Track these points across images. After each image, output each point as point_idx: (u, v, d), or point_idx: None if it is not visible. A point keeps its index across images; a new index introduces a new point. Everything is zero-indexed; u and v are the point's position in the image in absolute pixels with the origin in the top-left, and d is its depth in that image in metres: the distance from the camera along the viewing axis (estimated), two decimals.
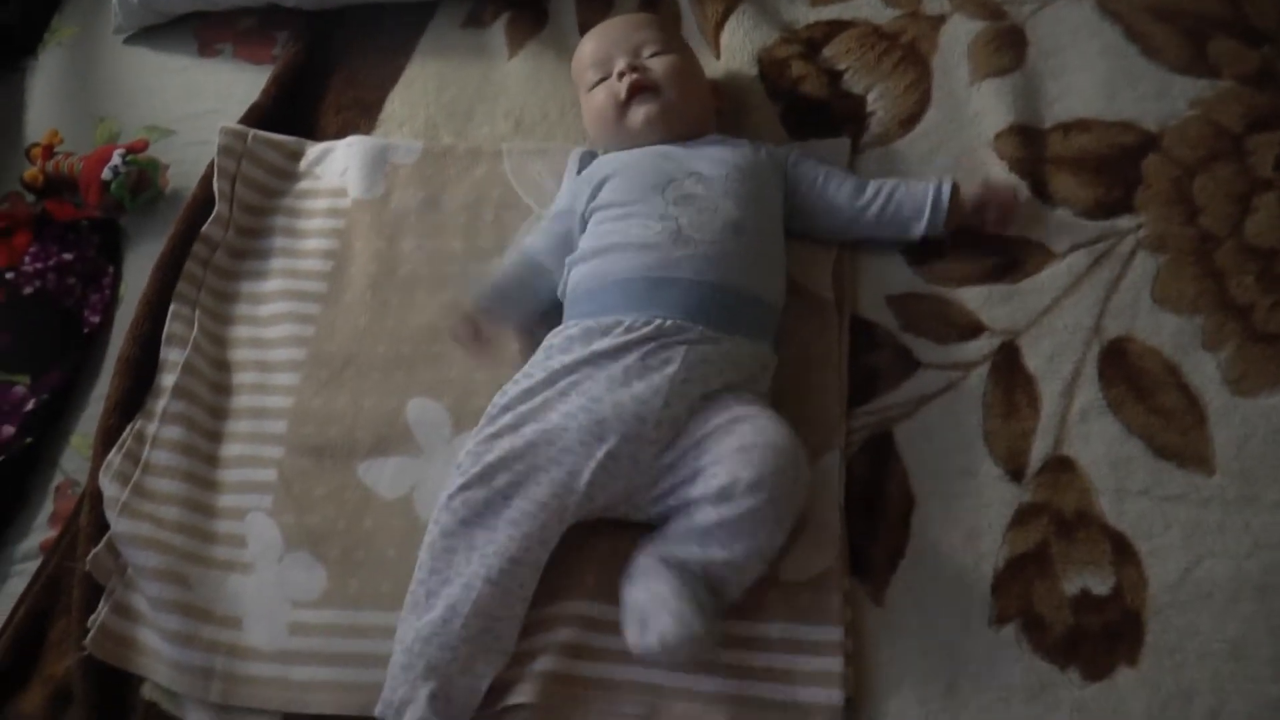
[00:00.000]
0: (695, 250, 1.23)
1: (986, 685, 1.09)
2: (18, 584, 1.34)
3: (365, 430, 1.32)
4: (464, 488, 1.16)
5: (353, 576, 1.24)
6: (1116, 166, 1.35)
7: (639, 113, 1.36)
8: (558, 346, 1.23)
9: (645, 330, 1.18)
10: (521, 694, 1.12)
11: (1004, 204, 1.32)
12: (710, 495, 1.09)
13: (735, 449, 1.10)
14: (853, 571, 1.17)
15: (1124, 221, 1.31)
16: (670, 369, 1.16)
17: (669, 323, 1.19)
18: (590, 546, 1.19)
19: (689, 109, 1.38)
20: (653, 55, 1.38)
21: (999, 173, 1.37)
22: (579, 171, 1.42)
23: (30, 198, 1.65)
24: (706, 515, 1.09)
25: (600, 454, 1.14)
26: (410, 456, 1.30)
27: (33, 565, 1.35)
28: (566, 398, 1.18)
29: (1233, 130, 1.34)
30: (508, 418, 1.19)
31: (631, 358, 1.18)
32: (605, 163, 1.38)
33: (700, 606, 1.05)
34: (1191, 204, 1.30)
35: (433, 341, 1.37)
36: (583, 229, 1.34)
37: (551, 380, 1.20)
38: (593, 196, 1.33)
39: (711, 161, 1.31)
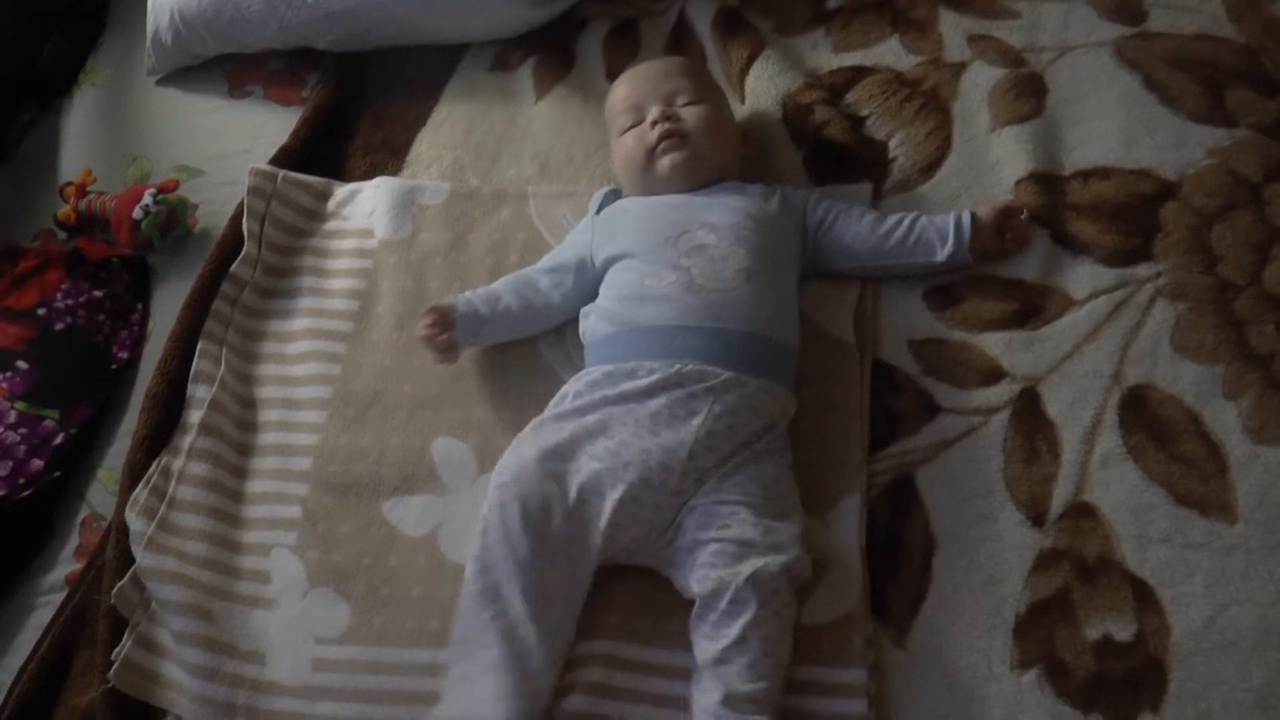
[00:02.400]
0: (709, 299, 1.25)
1: None
2: (43, 615, 1.35)
3: (391, 468, 1.34)
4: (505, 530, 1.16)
5: (377, 613, 1.25)
6: (1135, 214, 1.36)
7: (666, 161, 1.38)
8: (582, 391, 1.24)
9: (669, 373, 1.20)
10: None
11: (1018, 221, 1.34)
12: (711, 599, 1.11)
13: (733, 541, 1.13)
14: (875, 614, 1.17)
15: (1143, 269, 1.32)
16: (695, 421, 1.18)
17: (689, 367, 1.20)
18: (613, 588, 1.20)
19: (716, 158, 1.40)
20: (686, 104, 1.40)
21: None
22: (597, 211, 1.43)
23: (63, 235, 1.67)
24: (726, 634, 1.10)
25: (625, 495, 1.15)
26: (435, 495, 1.31)
27: (58, 597, 1.36)
28: (595, 440, 1.19)
29: (1251, 179, 1.35)
30: (541, 455, 1.20)
31: (658, 403, 1.19)
32: (621, 209, 1.40)
33: None
34: (1210, 253, 1.31)
35: (458, 381, 1.39)
36: (594, 271, 1.36)
37: (581, 412, 1.22)
38: (606, 244, 1.35)
39: (724, 210, 1.33)
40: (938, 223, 1.34)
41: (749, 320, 1.24)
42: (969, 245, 1.33)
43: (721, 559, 1.12)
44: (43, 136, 1.82)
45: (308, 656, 1.23)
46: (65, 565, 1.39)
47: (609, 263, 1.34)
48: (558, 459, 1.18)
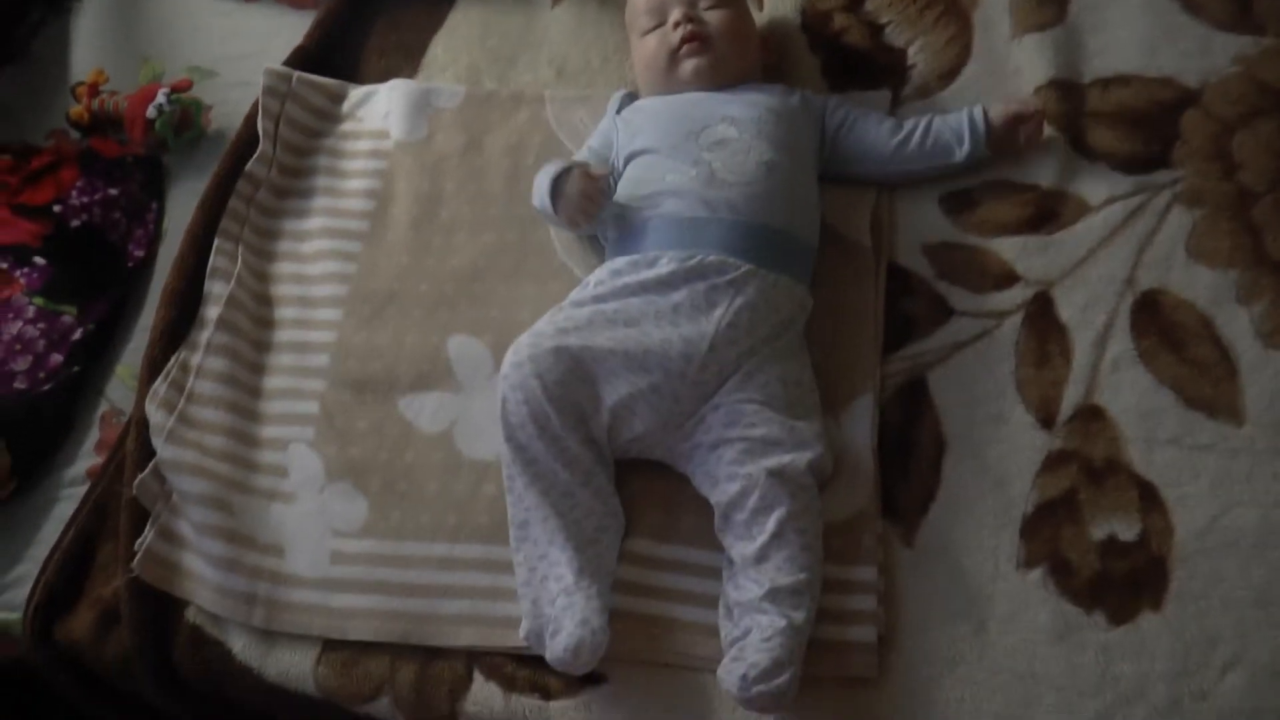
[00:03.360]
0: (730, 192, 1.25)
1: (1014, 626, 1.11)
2: (65, 508, 1.38)
3: (407, 366, 1.35)
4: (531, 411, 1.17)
5: (394, 508, 1.27)
6: (1155, 122, 1.35)
7: (689, 64, 1.37)
8: (604, 279, 1.25)
9: (690, 264, 1.21)
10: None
11: (1031, 114, 1.34)
12: (739, 508, 1.12)
13: (760, 440, 1.14)
14: (884, 514, 1.19)
15: (1161, 176, 1.32)
16: (716, 313, 1.19)
17: (711, 258, 1.21)
18: (648, 488, 1.22)
19: (737, 63, 1.39)
20: (709, 7, 1.39)
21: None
22: (618, 111, 1.43)
23: (75, 135, 1.67)
24: (743, 550, 1.12)
25: (644, 385, 1.17)
26: (451, 393, 1.33)
27: (79, 490, 1.39)
28: (615, 326, 1.20)
29: (1276, 87, 1.34)
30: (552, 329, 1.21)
31: (680, 295, 1.20)
32: (641, 108, 1.40)
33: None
34: (1230, 160, 1.31)
35: (474, 281, 1.39)
36: (618, 171, 1.36)
37: (601, 299, 1.23)
38: (628, 143, 1.35)
39: (745, 105, 1.33)
40: (952, 123, 1.34)
41: (769, 213, 1.25)
42: (985, 143, 1.32)
43: (749, 456, 1.13)
44: (53, 37, 1.81)
45: (326, 549, 1.25)
46: (86, 459, 1.42)
47: (630, 158, 1.34)
48: (575, 339, 1.19)
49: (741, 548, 1.12)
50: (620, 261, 1.25)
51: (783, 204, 1.27)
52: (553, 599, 1.12)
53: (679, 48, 1.37)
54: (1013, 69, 1.42)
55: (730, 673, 1.05)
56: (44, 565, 1.33)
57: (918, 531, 1.18)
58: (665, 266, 1.22)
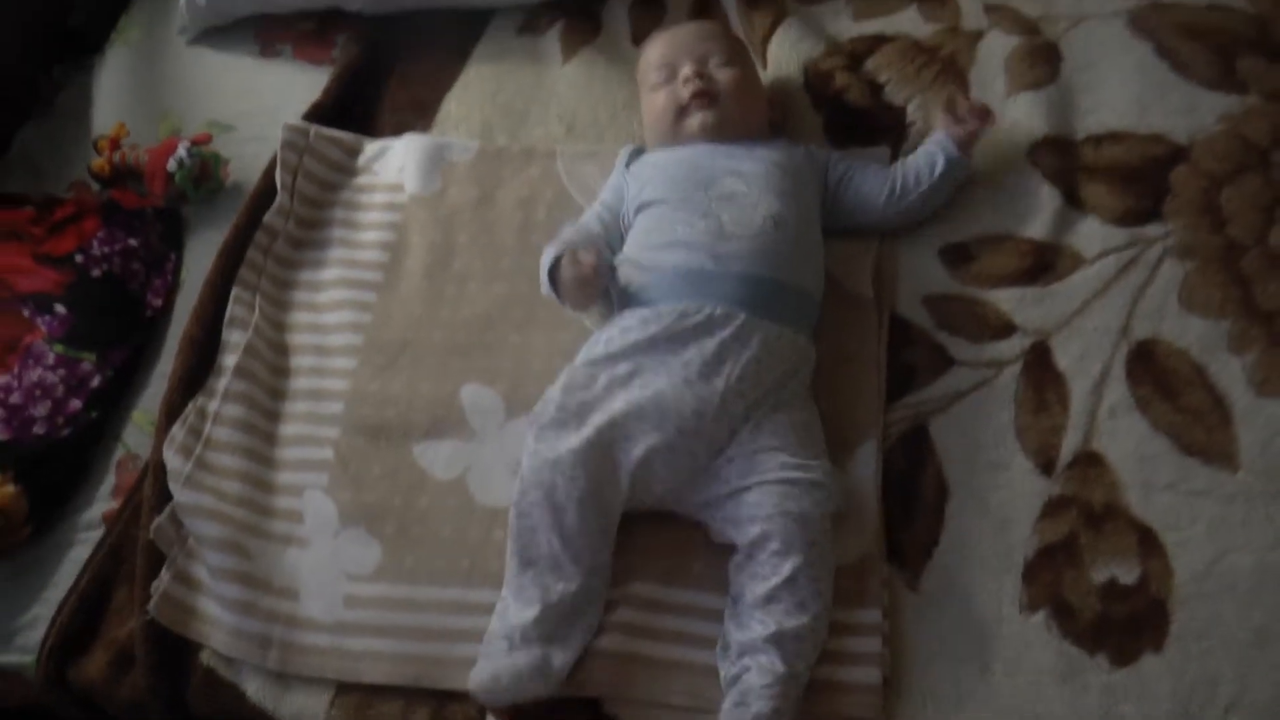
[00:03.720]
0: (738, 245, 1.29)
1: (1019, 669, 1.14)
2: (81, 551, 1.40)
3: (421, 413, 1.38)
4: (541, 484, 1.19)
5: (408, 552, 1.29)
6: (1146, 177, 1.40)
7: (697, 119, 1.42)
8: (614, 337, 1.28)
9: (698, 319, 1.24)
10: (587, 674, 1.16)
11: (964, 108, 1.39)
12: (760, 549, 1.15)
13: (777, 482, 1.17)
14: (889, 558, 1.21)
15: (1153, 229, 1.36)
16: (725, 368, 1.22)
17: (718, 311, 1.24)
18: (656, 534, 1.25)
19: (744, 119, 1.43)
20: (718, 65, 1.44)
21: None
22: (626, 165, 1.47)
23: (96, 187, 1.71)
24: (754, 591, 1.14)
25: (659, 443, 1.19)
26: (464, 440, 1.35)
27: (95, 534, 1.41)
28: (629, 388, 1.23)
29: (1260, 144, 1.39)
30: (573, 404, 1.24)
31: (690, 353, 1.23)
32: (650, 161, 1.44)
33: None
34: (1219, 213, 1.35)
35: (486, 330, 1.43)
36: (627, 224, 1.40)
37: (613, 359, 1.26)
38: (637, 194, 1.39)
39: (752, 160, 1.37)
40: (922, 152, 1.40)
41: (775, 266, 1.29)
42: (957, 151, 1.37)
43: (768, 499, 1.16)
44: (76, 92, 1.86)
45: (340, 593, 1.27)
46: (102, 503, 1.44)
47: (640, 209, 1.38)
48: (598, 418, 1.21)
49: (754, 587, 1.14)
50: (630, 319, 1.29)
51: (788, 257, 1.30)
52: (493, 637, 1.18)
53: (688, 103, 1.42)
54: (1008, 125, 1.47)
55: (734, 718, 1.08)
56: (59, 608, 1.35)
57: (922, 575, 1.20)
58: (675, 324, 1.25)
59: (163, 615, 1.28)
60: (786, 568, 1.13)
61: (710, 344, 1.23)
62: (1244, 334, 1.27)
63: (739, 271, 1.27)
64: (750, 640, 1.12)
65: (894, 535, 1.23)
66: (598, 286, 1.31)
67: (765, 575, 1.14)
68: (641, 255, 1.33)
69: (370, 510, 1.32)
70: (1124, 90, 1.47)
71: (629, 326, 1.28)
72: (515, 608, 1.18)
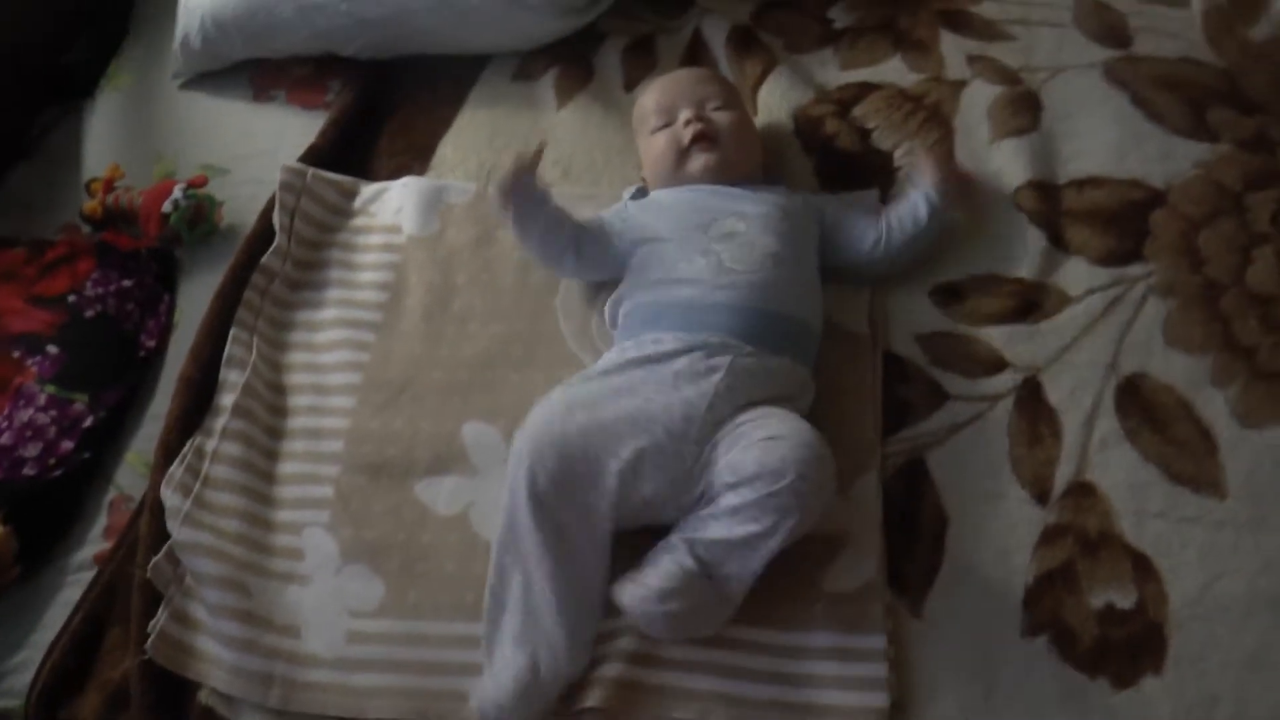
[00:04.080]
0: (736, 279, 1.32)
1: (1022, 693, 1.16)
2: (72, 593, 1.38)
3: (422, 450, 1.38)
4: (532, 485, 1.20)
5: (411, 588, 1.29)
6: (1127, 220, 1.45)
7: (698, 160, 1.45)
8: (611, 358, 1.31)
9: (695, 341, 1.27)
10: (591, 698, 1.17)
11: (945, 168, 1.45)
12: (736, 480, 1.15)
13: (761, 438, 1.17)
14: (891, 586, 1.23)
15: (1135, 269, 1.41)
16: (716, 376, 1.24)
17: (716, 340, 1.27)
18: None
19: (743, 161, 1.48)
20: (716, 109, 1.48)
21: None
22: (630, 200, 1.51)
23: (87, 229, 1.71)
24: (730, 499, 1.15)
25: (648, 444, 1.21)
26: (467, 477, 1.36)
27: (86, 575, 1.39)
28: (619, 397, 1.25)
29: (1233, 189, 1.45)
30: (562, 406, 1.26)
31: (680, 363, 1.26)
32: (653, 200, 1.48)
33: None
34: (1197, 254, 1.41)
35: (486, 369, 1.44)
36: (622, 245, 1.42)
37: (607, 374, 1.29)
38: (637, 230, 1.42)
39: (753, 202, 1.41)
40: (907, 201, 1.44)
41: (774, 300, 1.32)
42: (940, 202, 1.42)
43: (752, 452, 1.16)
44: (66, 135, 1.86)
45: (343, 629, 1.27)
46: (94, 545, 1.42)
47: (637, 244, 1.40)
48: (581, 415, 1.23)
49: (704, 506, 1.18)
50: (628, 344, 1.32)
51: (786, 292, 1.34)
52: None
53: (689, 145, 1.46)
54: (993, 171, 1.52)
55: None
56: (50, 648, 1.33)
57: (925, 602, 1.22)
58: (669, 345, 1.28)
59: (160, 654, 1.27)
60: (734, 498, 1.14)
61: (700, 354, 1.26)
62: (1226, 368, 1.32)
63: (738, 304, 1.30)
64: (675, 538, 1.18)
65: (896, 563, 1.25)
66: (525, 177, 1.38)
67: (718, 494, 1.17)
68: (640, 292, 1.36)
69: (372, 547, 1.32)
70: (1103, 138, 1.53)
71: (624, 348, 1.31)
72: (504, 619, 1.20)
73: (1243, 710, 1.12)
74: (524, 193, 1.40)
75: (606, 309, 1.42)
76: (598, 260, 1.44)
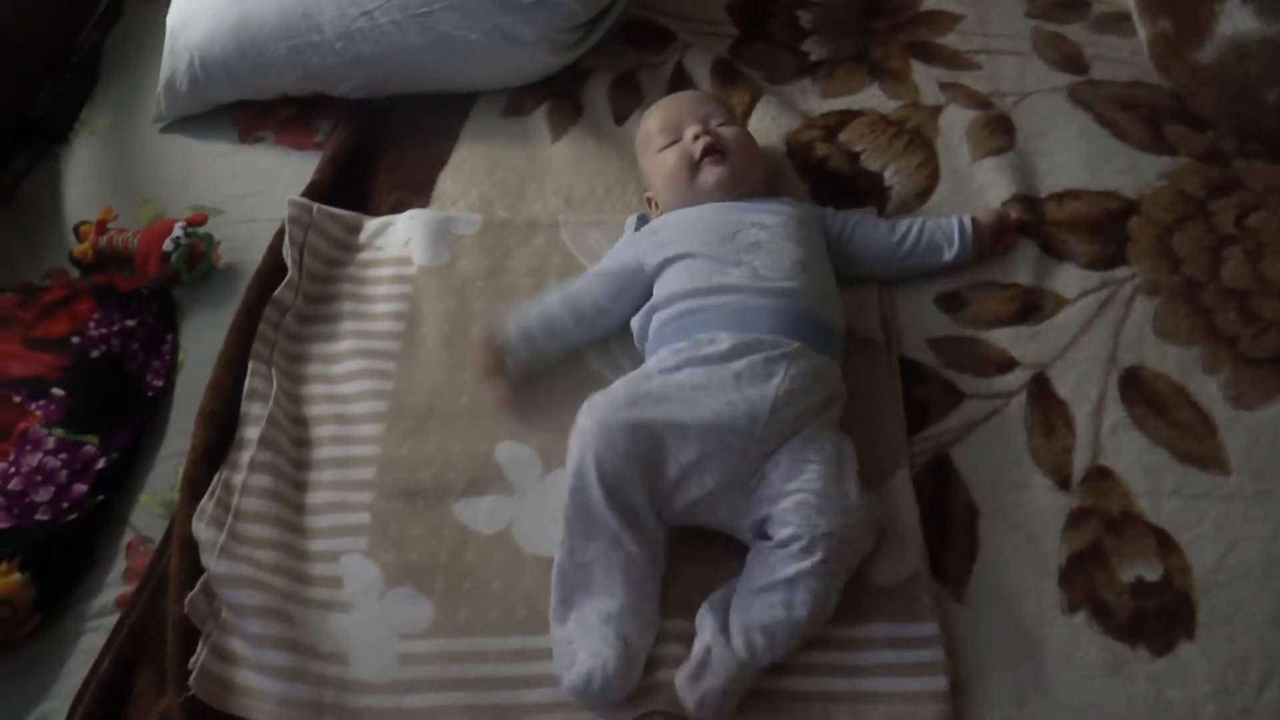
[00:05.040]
0: (775, 286, 1.37)
1: (1069, 666, 1.21)
2: (93, 639, 1.34)
3: (457, 473, 1.39)
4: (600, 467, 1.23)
5: (461, 606, 1.29)
6: (1107, 227, 1.56)
7: (711, 174, 1.50)
8: (666, 357, 1.34)
9: (747, 339, 1.31)
10: (657, 701, 1.19)
11: (1011, 223, 1.54)
12: (783, 540, 1.20)
13: (816, 494, 1.22)
14: (933, 575, 1.28)
15: (1121, 272, 1.52)
16: (775, 379, 1.29)
17: (768, 337, 1.32)
18: (693, 568, 1.29)
19: (751, 174, 1.53)
20: (720, 125, 1.54)
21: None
22: (636, 229, 1.54)
23: (77, 273, 1.67)
24: (784, 570, 1.19)
25: (715, 444, 1.25)
26: (505, 495, 1.37)
27: (108, 621, 1.35)
28: (682, 391, 1.29)
29: (1197, 196, 1.58)
30: (628, 394, 1.30)
31: (740, 364, 1.30)
32: (668, 221, 1.50)
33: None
34: (1174, 256, 1.52)
35: (513, 392, 1.45)
36: (646, 278, 1.46)
37: (666, 371, 1.32)
38: (659, 250, 1.45)
39: (769, 213, 1.47)
40: (944, 226, 1.52)
41: (811, 304, 1.38)
42: (971, 247, 1.50)
43: (802, 509, 1.20)
44: (42, 181, 1.82)
45: (394, 653, 1.26)
46: (114, 588, 1.38)
47: (666, 264, 1.43)
48: (648, 407, 1.27)
49: (756, 574, 1.21)
50: (679, 344, 1.35)
51: (819, 296, 1.40)
52: (570, 639, 1.20)
53: (700, 159, 1.51)
54: (978, 187, 1.62)
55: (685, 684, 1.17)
56: (77, 697, 1.28)
57: (966, 588, 1.28)
58: (724, 343, 1.32)
59: (203, 691, 1.23)
60: (792, 569, 1.18)
61: (758, 359, 1.30)
62: (1214, 357, 1.42)
63: (782, 306, 1.35)
64: (726, 619, 1.19)
65: (934, 554, 1.30)
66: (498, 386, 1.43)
67: (769, 568, 1.20)
68: (678, 300, 1.39)
69: (416, 569, 1.32)
70: (1074, 154, 1.65)
71: (679, 349, 1.34)
72: (592, 603, 1.21)
73: (1273, 668, 1.19)
74: (516, 356, 1.43)
75: (634, 323, 1.44)
76: (633, 302, 1.46)
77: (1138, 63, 1.76)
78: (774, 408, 1.27)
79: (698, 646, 1.18)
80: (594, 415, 1.26)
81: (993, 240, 1.53)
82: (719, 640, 1.17)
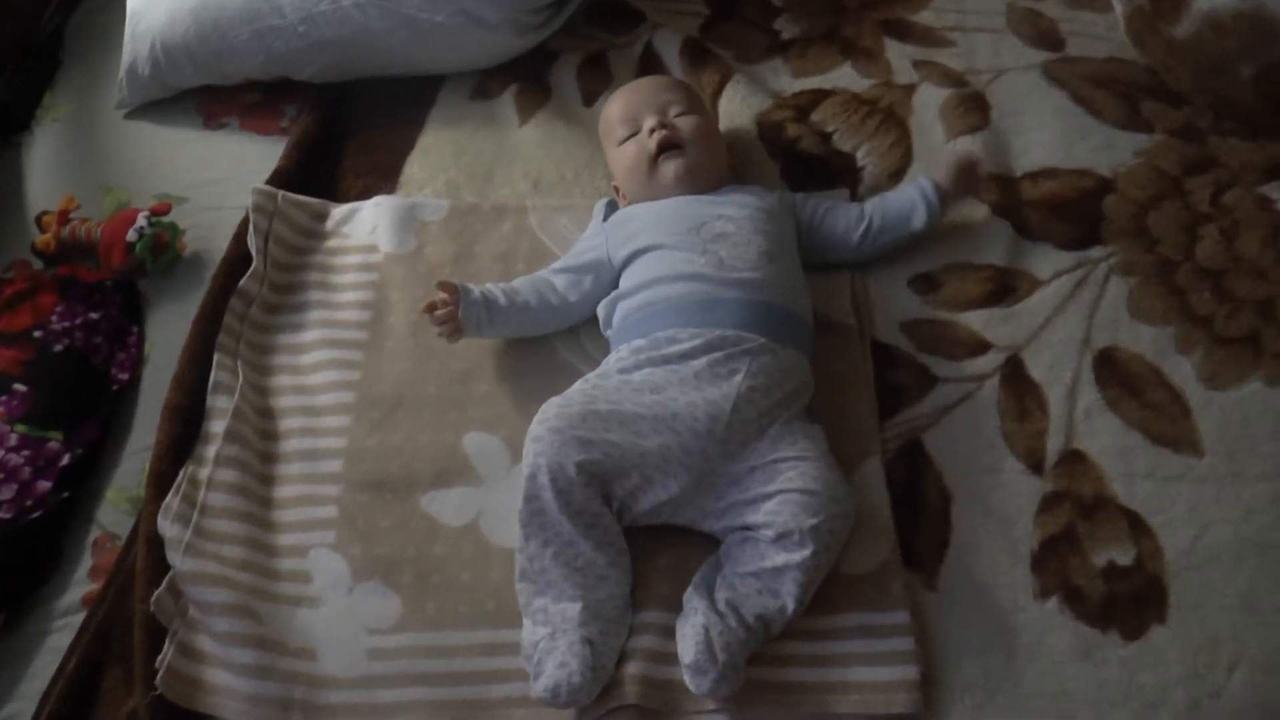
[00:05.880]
0: (739, 276, 1.35)
1: (1041, 652, 1.21)
2: (60, 639, 1.32)
3: (425, 464, 1.38)
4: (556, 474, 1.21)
5: (429, 600, 1.28)
6: (1082, 206, 1.55)
7: (669, 168, 1.48)
8: (625, 356, 1.33)
9: (710, 337, 1.30)
10: (626, 695, 1.18)
11: (973, 165, 1.51)
12: (773, 536, 1.19)
13: (799, 491, 1.21)
14: (905, 562, 1.27)
15: (1095, 252, 1.50)
16: (737, 377, 1.27)
17: (730, 333, 1.30)
18: (660, 559, 1.27)
19: (711, 164, 1.51)
20: (679, 114, 1.52)
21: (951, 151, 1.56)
22: (605, 219, 1.52)
23: (40, 264, 1.65)
24: (772, 559, 1.19)
25: (674, 444, 1.23)
26: (473, 486, 1.36)
27: (74, 619, 1.33)
28: (641, 394, 1.28)
29: (1172, 174, 1.56)
30: (581, 396, 1.29)
31: (700, 363, 1.29)
32: (634, 213, 1.49)
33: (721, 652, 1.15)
34: (1150, 235, 1.51)
35: (479, 383, 1.44)
36: (612, 270, 1.45)
37: (626, 371, 1.31)
38: (626, 243, 1.44)
39: (735, 205, 1.45)
40: (905, 191, 1.51)
41: (777, 295, 1.36)
42: (940, 206, 1.48)
43: (788, 507, 1.20)
44: (4, 171, 1.79)
45: (361, 648, 1.25)
46: (80, 586, 1.36)
47: (633, 257, 1.42)
48: (605, 405, 1.26)
49: (742, 559, 1.21)
50: (639, 341, 1.34)
51: (784, 287, 1.38)
52: (536, 642, 1.20)
53: (657, 154, 1.48)
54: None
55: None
56: (44, 697, 1.27)
57: (938, 575, 1.27)
58: (685, 342, 1.30)
59: (170, 690, 1.22)
60: (780, 558, 1.18)
61: (720, 356, 1.29)
62: (1188, 337, 1.42)
63: (746, 299, 1.34)
64: (711, 602, 1.19)
65: (906, 541, 1.29)
66: (441, 320, 1.40)
67: (758, 554, 1.20)
68: (643, 290, 1.38)
69: (384, 562, 1.31)
70: (1049, 132, 1.63)
71: (639, 347, 1.33)
72: (555, 607, 1.21)
73: (1243, 650, 1.19)
74: (470, 317, 1.41)
75: (600, 310, 1.42)
76: (599, 294, 1.44)
77: (1114, 38, 1.75)
78: (736, 406, 1.26)
79: (694, 631, 1.16)
80: (546, 424, 1.25)
81: (962, 187, 1.51)
82: (714, 620, 1.16)
